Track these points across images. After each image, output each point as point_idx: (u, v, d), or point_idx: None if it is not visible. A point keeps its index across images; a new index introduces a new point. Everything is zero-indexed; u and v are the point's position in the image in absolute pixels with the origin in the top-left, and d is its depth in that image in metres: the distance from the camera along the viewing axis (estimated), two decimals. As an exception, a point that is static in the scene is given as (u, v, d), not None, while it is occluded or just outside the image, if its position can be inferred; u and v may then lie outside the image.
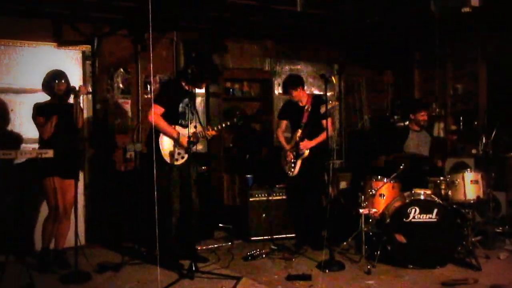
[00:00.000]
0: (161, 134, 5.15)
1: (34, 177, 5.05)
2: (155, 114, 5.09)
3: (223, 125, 5.45)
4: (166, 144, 5.17)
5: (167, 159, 5.15)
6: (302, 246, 5.92)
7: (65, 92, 5.07)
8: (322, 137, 5.74)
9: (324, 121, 5.71)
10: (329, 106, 5.72)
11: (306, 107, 5.90)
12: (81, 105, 5.08)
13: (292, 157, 5.92)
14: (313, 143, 5.82)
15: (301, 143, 5.83)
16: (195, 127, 5.18)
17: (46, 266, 5.05)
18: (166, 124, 5.13)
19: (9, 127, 5.94)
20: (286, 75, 6.56)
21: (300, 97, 5.96)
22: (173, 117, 5.22)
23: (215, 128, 5.42)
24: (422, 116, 6.37)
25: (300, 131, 5.88)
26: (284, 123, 6.19)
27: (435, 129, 7.97)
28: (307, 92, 6.36)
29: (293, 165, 5.91)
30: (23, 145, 5.87)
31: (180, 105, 5.24)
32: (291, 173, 5.92)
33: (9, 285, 4.36)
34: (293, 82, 5.97)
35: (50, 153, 4.58)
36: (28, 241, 5.69)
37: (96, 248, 5.95)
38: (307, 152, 5.82)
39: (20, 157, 4.43)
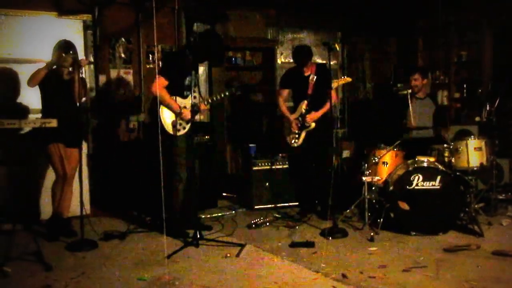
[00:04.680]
0: (162, 106, 5.12)
1: (39, 145, 5.08)
2: (159, 86, 5.00)
3: (218, 96, 5.38)
4: (167, 115, 5.14)
5: (169, 130, 5.13)
6: (305, 214, 5.96)
7: (71, 63, 5.05)
8: (327, 107, 5.71)
9: (329, 91, 5.61)
10: (342, 82, 5.62)
11: (310, 77, 5.78)
12: (83, 75, 5.06)
13: (296, 128, 5.86)
14: (319, 114, 5.75)
15: (307, 116, 5.76)
16: (194, 97, 5.14)
17: (55, 233, 5.09)
18: (168, 97, 5.07)
19: (13, 97, 5.92)
20: (296, 45, 6.25)
21: (309, 66, 5.85)
22: (177, 90, 5.15)
23: (207, 101, 5.36)
24: (415, 80, 6.20)
25: (306, 102, 5.79)
26: (286, 91, 6.10)
27: (438, 97, 7.95)
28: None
29: (297, 136, 5.86)
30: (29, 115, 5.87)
31: (187, 78, 5.17)
32: (295, 144, 5.88)
33: (17, 252, 4.41)
34: (309, 53, 5.82)
35: (53, 122, 4.57)
36: (34, 210, 5.74)
37: (101, 217, 6.00)
38: (313, 124, 5.76)
39: (24, 126, 4.42)
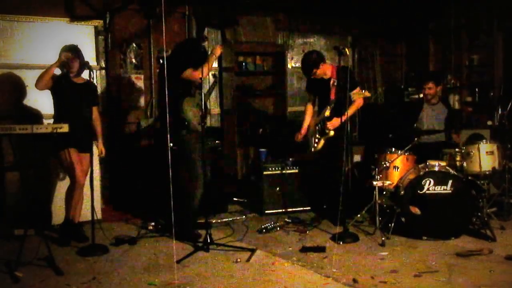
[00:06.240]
0: (186, 105, 5.13)
1: (52, 150, 5.14)
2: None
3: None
4: (191, 114, 5.15)
5: (198, 128, 5.07)
6: (316, 219, 5.93)
7: (79, 67, 5.09)
8: (349, 113, 5.36)
9: (351, 93, 5.38)
10: (361, 96, 5.43)
11: (332, 82, 5.54)
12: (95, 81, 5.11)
13: (317, 133, 5.73)
14: (340, 121, 5.46)
15: (328, 122, 5.56)
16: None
17: (66, 238, 5.12)
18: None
19: (25, 103, 5.98)
20: (303, 55, 5.92)
21: (324, 71, 5.62)
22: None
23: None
24: (429, 89, 6.16)
25: (329, 108, 5.54)
26: (311, 95, 5.97)
27: (450, 101, 7.90)
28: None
29: (316, 140, 5.74)
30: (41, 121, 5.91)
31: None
32: (313, 148, 5.78)
33: (28, 257, 4.43)
34: (314, 62, 5.56)
35: (65, 128, 4.61)
36: (46, 215, 5.77)
37: (113, 222, 6.01)
38: (332, 132, 5.55)
39: (35, 131, 4.46)
